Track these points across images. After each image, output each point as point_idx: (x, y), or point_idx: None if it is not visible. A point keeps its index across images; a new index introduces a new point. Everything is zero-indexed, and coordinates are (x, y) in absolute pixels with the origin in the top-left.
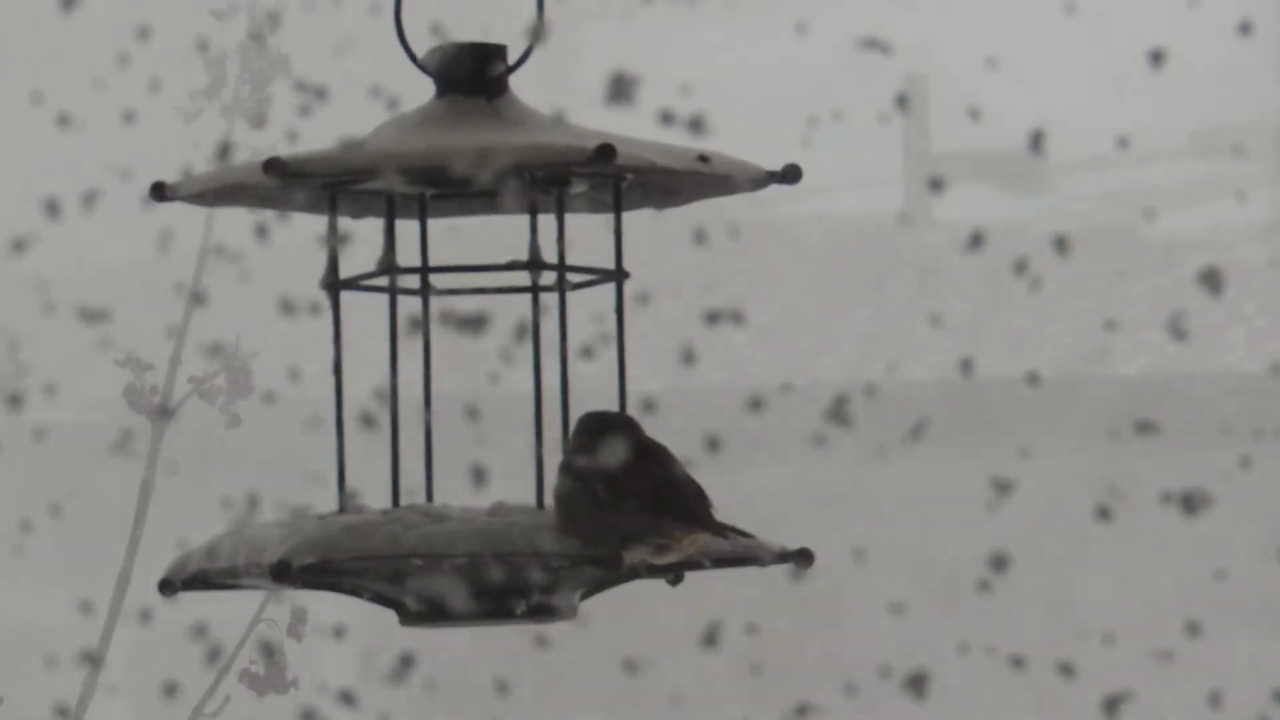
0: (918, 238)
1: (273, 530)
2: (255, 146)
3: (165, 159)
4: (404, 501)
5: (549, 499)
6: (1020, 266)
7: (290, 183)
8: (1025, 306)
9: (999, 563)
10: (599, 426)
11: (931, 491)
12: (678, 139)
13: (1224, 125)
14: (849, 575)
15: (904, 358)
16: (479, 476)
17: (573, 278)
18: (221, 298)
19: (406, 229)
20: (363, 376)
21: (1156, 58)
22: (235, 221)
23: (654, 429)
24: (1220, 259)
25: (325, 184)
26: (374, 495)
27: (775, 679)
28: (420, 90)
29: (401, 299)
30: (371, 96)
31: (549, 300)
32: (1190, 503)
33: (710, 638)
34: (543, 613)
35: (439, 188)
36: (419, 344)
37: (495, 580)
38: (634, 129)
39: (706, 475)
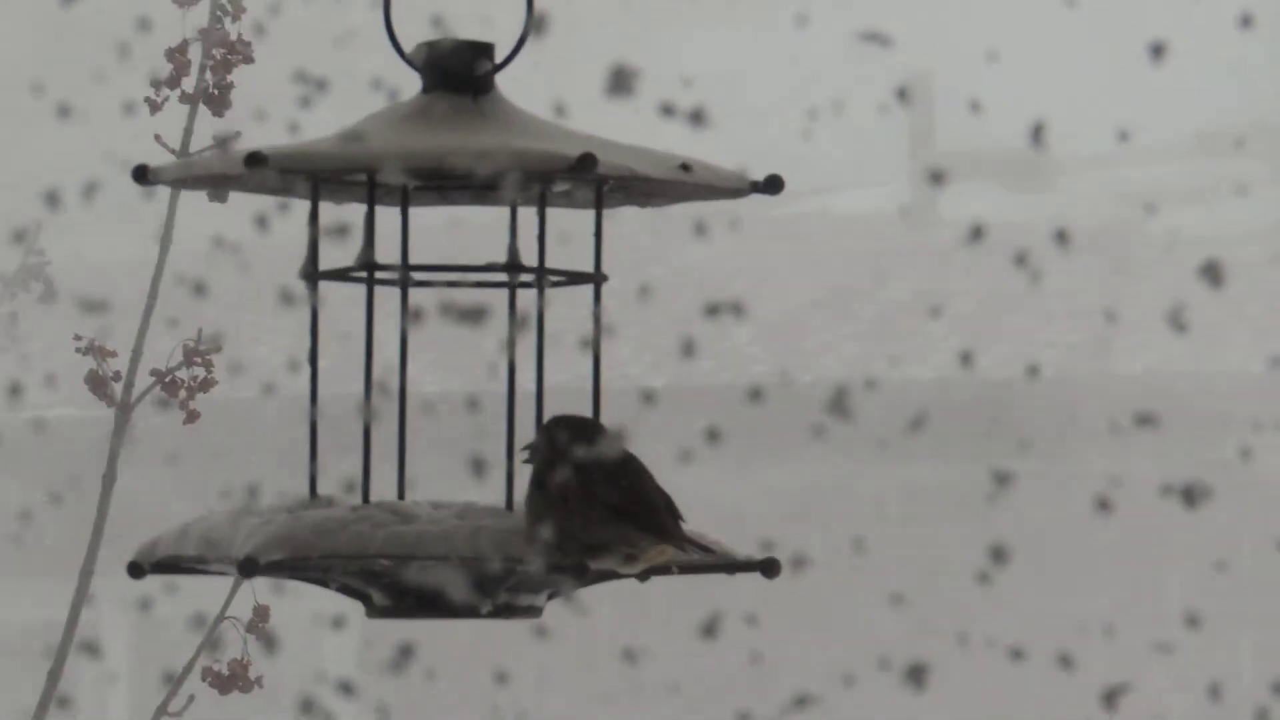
0: (920, 233)
1: (243, 520)
2: (224, 130)
3: (163, 152)
4: (393, 497)
5: (518, 500)
6: (1024, 263)
7: (270, 174)
8: (1028, 303)
9: (999, 554)
10: (569, 433)
11: (931, 483)
12: (678, 131)
13: (1234, 122)
14: (849, 567)
15: (906, 353)
16: (479, 468)
17: (552, 278)
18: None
19: (389, 219)
20: (357, 369)
21: (1158, 51)
22: (235, 213)
23: (655, 422)
24: (1225, 256)
25: (306, 176)
26: (376, 488)
27: (774, 670)
28: (419, 83)
29: (394, 290)
30: (372, 88)
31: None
32: (1190, 495)
33: (710, 628)
34: (509, 611)
35: (421, 180)
36: (413, 336)
37: (462, 580)
38: (634, 121)
39: (707, 468)
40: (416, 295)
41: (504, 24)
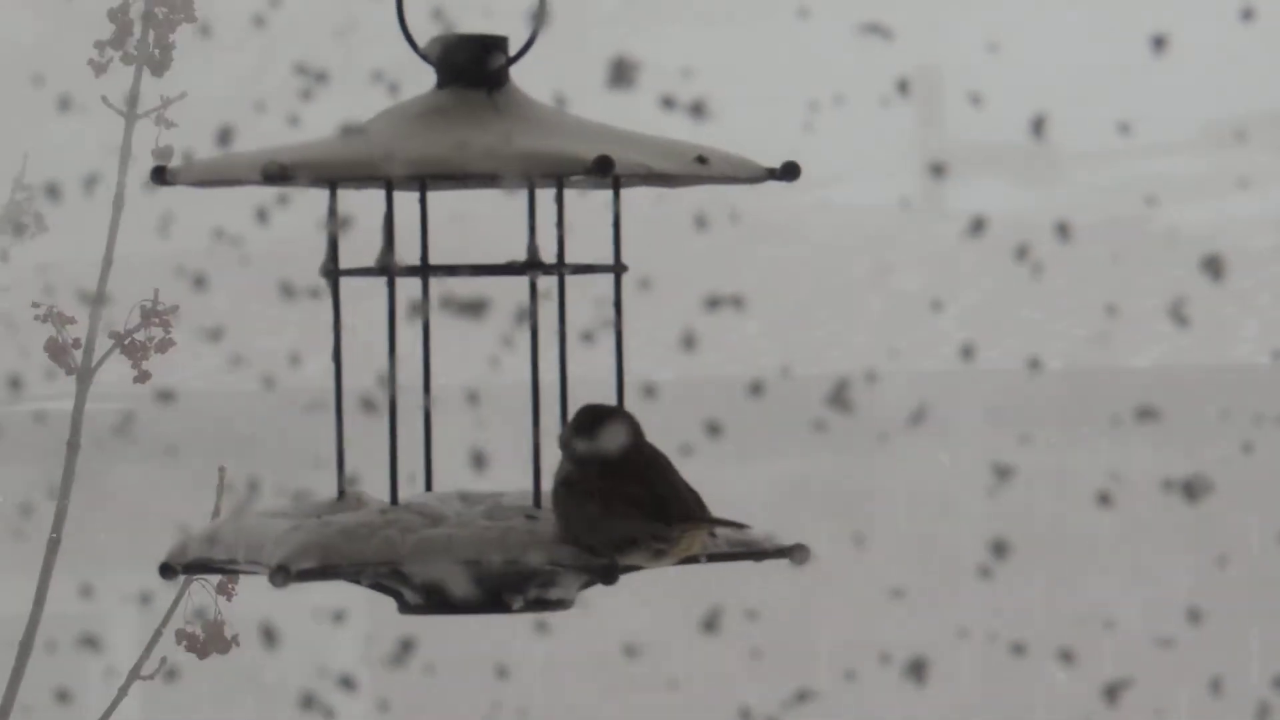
0: (923, 226)
1: (271, 523)
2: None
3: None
4: (403, 491)
5: (544, 495)
6: (1028, 257)
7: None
8: (1031, 296)
9: (1000, 549)
10: (596, 425)
11: (932, 477)
12: (678, 125)
13: (1237, 114)
14: (849, 561)
15: (908, 346)
16: (478, 462)
17: (572, 272)
18: (222, 281)
19: (407, 215)
20: (363, 362)
21: (1160, 43)
22: (235, 205)
23: (655, 416)
24: (1230, 249)
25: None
26: (373, 481)
27: (775, 664)
28: (421, 75)
29: (401, 283)
30: (373, 81)
31: (548, 285)
32: (1192, 489)
33: (710, 623)
34: (541, 605)
35: (438, 177)
36: (419, 330)
37: (493, 577)
38: (634, 114)
39: (707, 462)
40: (407, 288)
41: (505, 16)
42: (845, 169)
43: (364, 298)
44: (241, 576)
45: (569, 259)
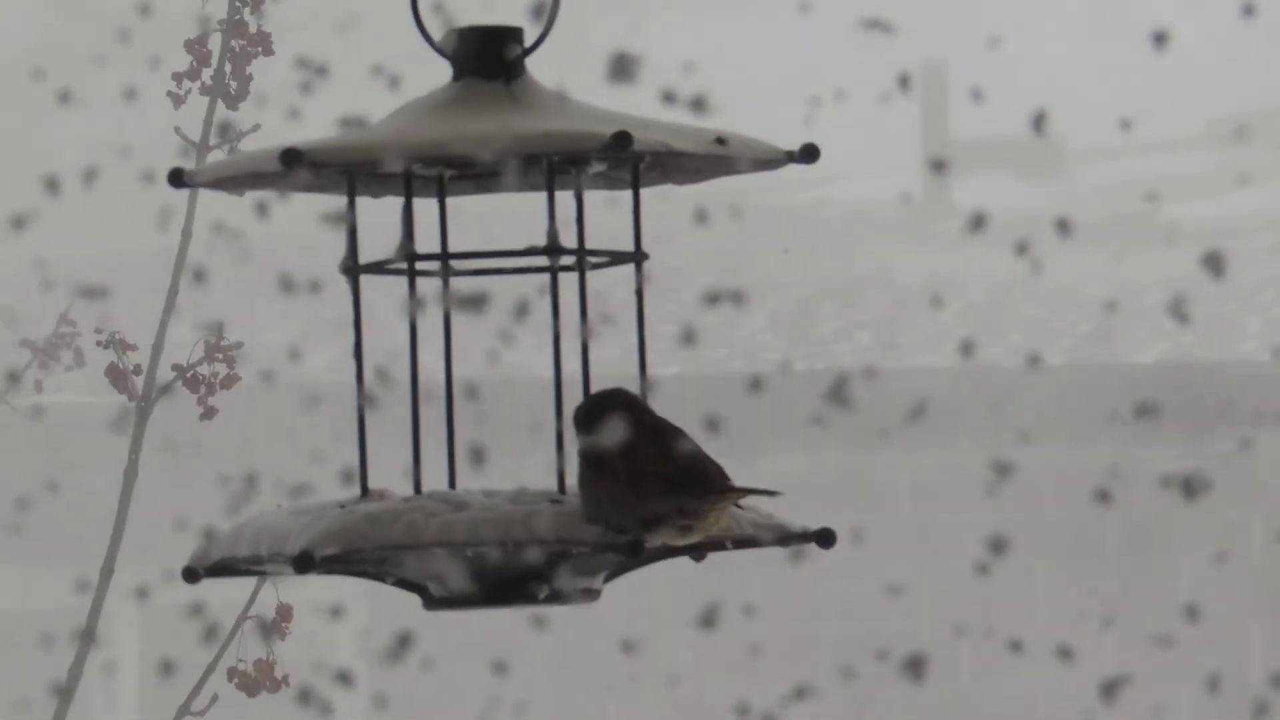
0: (925, 222)
1: (293, 518)
2: (248, 122)
3: (165, 137)
4: (425, 487)
5: (568, 482)
6: (1029, 252)
7: (308, 171)
8: (1032, 291)
9: (998, 546)
10: (608, 408)
11: (931, 474)
12: (679, 119)
13: (1238, 111)
14: (847, 557)
15: (909, 342)
16: (477, 456)
17: (592, 259)
18: (221, 277)
19: (424, 211)
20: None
21: (1161, 40)
22: (235, 200)
23: (656, 411)
24: (1231, 245)
25: (343, 170)
26: (381, 476)
27: (773, 661)
28: (421, 68)
29: (396, 281)
30: (373, 74)
31: (543, 284)
32: (1190, 486)
33: (708, 619)
34: (566, 596)
35: (457, 169)
36: (429, 326)
37: (518, 566)
38: (635, 109)
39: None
40: (419, 283)
41: (505, 9)
42: (847, 164)
43: (363, 294)
44: (245, 580)
45: (593, 251)
